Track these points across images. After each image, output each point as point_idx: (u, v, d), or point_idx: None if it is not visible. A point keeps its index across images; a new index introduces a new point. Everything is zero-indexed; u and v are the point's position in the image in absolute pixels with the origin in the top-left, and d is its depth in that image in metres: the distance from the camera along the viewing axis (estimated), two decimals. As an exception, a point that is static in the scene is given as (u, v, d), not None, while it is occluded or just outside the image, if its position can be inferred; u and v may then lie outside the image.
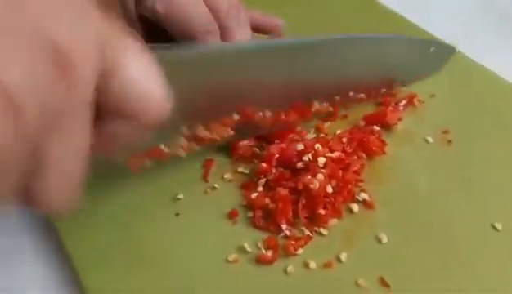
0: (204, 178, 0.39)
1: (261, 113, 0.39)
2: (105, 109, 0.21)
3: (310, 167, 0.37)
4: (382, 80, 0.45)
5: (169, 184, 0.39)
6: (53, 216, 0.33)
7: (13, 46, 0.17)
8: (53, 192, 0.19)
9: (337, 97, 0.43)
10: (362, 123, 0.44)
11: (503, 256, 0.35)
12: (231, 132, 0.38)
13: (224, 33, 0.39)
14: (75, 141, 0.19)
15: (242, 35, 0.39)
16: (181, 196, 0.38)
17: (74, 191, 0.20)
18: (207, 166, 0.40)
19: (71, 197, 0.20)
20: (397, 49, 0.44)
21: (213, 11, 0.38)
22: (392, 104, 0.45)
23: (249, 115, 0.38)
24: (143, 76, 0.20)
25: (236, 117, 0.37)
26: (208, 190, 0.39)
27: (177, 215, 0.37)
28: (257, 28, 0.44)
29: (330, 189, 0.36)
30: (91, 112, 0.20)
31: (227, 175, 0.40)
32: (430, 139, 0.43)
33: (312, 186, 0.36)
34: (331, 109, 0.43)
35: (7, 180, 0.18)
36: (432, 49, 0.46)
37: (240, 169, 0.40)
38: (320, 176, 0.36)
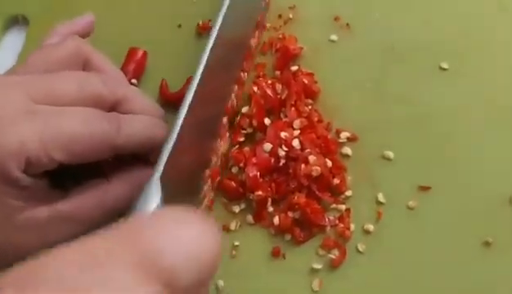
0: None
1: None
2: None
3: (295, 157, 0.36)
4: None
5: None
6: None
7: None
8: None
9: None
10: (278, 72, 0.41)
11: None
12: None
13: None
14: None
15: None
16: (221, 283, 0.35)
17: None
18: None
19: None
20: None
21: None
22: (280, 33, 0.43)
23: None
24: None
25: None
26: (234, 253, 0.36)
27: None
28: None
29: (329, 163, 0.36)
30: None
31: (233, 226, 0.37)
32: (334, 37, 0.42)
33: (314, 173, 0.35)
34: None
35: None
36: None
37: (236, 209, 0.37)
38: (312, 158, 0.35)
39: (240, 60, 0.39)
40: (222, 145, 0.37)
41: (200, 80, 0.31)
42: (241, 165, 0.37)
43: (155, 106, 0.35)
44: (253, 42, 0.41)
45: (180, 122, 0.30)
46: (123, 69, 0.42)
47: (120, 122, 0.31)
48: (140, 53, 0.43)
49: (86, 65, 0.34)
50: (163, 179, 0.27)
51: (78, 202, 0.31)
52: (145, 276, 0.17)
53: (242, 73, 0.40)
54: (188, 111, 0.30)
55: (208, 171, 0.35)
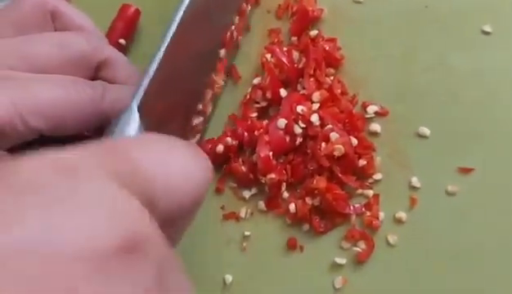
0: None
1: None
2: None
3: (313, 134, 0.31)
4: None
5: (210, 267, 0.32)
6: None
7: None
8: None
9: None
10: (294, 39, 0.36)
11: None
12: None
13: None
14: None
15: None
16: (229, 278, 0.31)
17: None
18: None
19: None
20: None
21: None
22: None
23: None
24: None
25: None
26: (244, 244, 0.32)
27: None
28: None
29: (354, 141, 0.31)
30: None
31: (243, 213, 0.32)
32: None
33: (337, 153, 0.30)
34: None
35: None
36: None
37: (246, 194, 0.33)
38: (334, 136, 0.31)
39: None
40: (218, 80, 0.34)
41: (188, 7, 0.28)
42: (256, 133, 0.32)
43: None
44: None
45: (163, 48, 0.27)
46: (112, 27, 0.38)
47: (105, 88, 0.28)
48: (131, 10, 0.38)
49: (58, 22, 0.29)
50: (143, 108, 0.26)
51: None
52: (125, 190, 0.15)
53: (245, 4, 0.36)
54: (174, 39, 0.28)
55: (200, 106, 0.32)
